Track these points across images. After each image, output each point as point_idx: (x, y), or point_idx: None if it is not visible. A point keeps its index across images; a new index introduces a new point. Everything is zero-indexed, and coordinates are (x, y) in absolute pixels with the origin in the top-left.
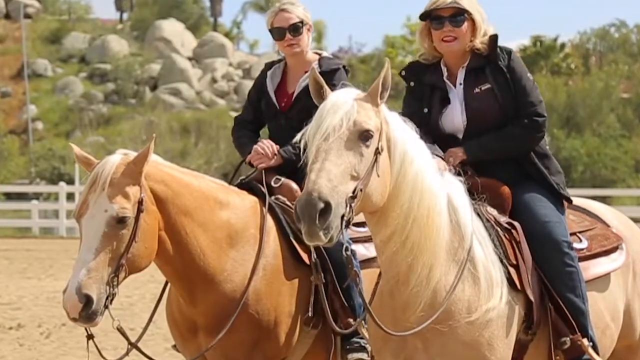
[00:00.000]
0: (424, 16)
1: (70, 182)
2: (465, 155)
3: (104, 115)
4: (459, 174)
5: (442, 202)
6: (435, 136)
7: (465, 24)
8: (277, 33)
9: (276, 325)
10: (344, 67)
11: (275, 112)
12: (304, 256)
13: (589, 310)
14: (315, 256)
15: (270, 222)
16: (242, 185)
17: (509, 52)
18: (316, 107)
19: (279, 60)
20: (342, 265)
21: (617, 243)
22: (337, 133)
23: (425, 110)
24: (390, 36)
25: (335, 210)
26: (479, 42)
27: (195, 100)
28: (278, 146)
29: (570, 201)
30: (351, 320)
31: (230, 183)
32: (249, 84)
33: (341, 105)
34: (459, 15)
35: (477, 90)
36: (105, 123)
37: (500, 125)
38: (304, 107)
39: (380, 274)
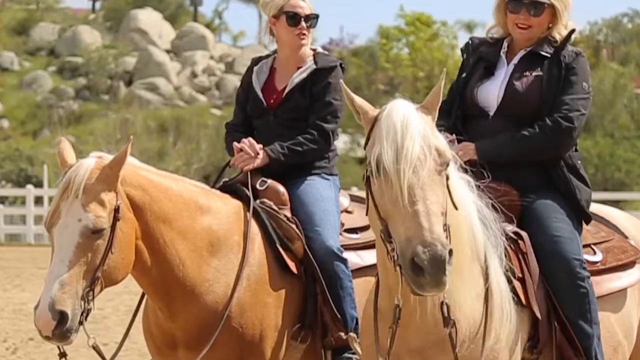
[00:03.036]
0: None
1: (39, 184)
2: (476, 155)
3: (74, 112)
4: (465, 172)
5: (475, 216)
6: (465, 105)
7: (545, 13)
8: (292, 18)
9: (261, 339)
10: (340, 64)
11: (263, 109)
12: (291, 265)
13: (598, 333)
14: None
15: (255, 228)
16: (225, 188)
17: (577, 53)
18: (308, 106)
19: (267, 56)
20: (334, 275)
21: (635, 257)
22: (425, 165)
23: (463, 75)
24: (385, 27)
25: (452, 255)
26: (557, 32)
27: (174, 96)
28: (261, 145)
29: (587, 221)
30: (342, 334)
31: (213, 186)
32: (231, 79)
33: (412, 124)
34: (540, 3)
35: (526, 73)
36: (76, 121)
37: (533, 118)
38: (296, 105)
39: (377, 284)
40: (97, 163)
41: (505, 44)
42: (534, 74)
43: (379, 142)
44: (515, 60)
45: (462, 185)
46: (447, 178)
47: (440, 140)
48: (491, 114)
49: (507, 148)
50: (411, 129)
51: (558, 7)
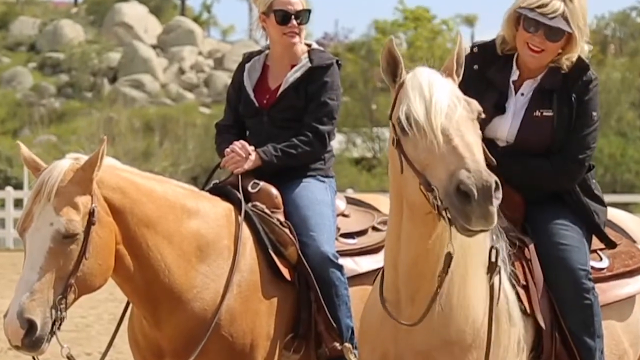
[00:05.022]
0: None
1: (19, 186)
2: None
3: (56, 110)
4: None
5: None
6: None
7: (562, 40)
8: (281, 16)
9: (252, 349)
10: (337, 61)
11: (256, 109)
12: (284, 271)
13: (601, 347)
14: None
15: (246, 232)
16: (215, 191)
17: (588, 82)
18: (303, 106)
19: (259, 52)
20: (329, 283)
21: None
22: (457, 112)
23: None
24: (381, 21)
25: (500, 188)
26: (566, 58)
27: (160, 93)
28: (253, 147)
29: (609, 245)
30: (337, 344)
31: (202, 188)
32: (220, 75)
33: (439, 81)
34: (560, 30)
35: (537, 113)
36: (58, 120)
37: (543, 153)
38: (291, 105)
39: (381, 279)
40: (72, 165)
41: (515, 71)
42: (544, 113)
43: (407, 99)
44: (524, 90)
45: None
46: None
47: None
48: (500, 144)
49: (517, 173)
50: (438, 83)
51: (576, 35)
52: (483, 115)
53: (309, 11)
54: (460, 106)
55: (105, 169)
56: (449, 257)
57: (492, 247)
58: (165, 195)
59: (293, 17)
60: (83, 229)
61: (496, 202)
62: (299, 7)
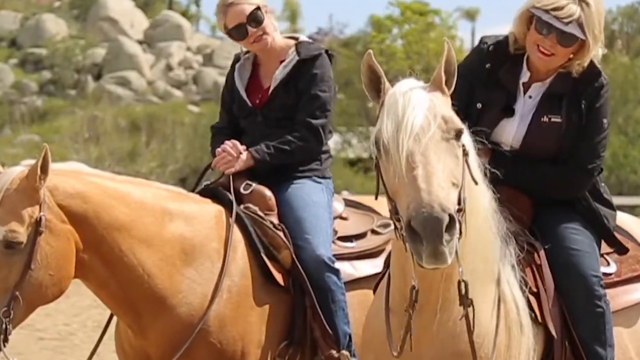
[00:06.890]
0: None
1: None
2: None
3: (38, 109)
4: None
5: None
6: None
7: (575, 46)
8: (237, 32)
9: (243, 357)
10: (326, 51)
11: (249, 109)
12: (278, 276)
13: (612, 356)
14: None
15: (237, 235)
16: (205, 192)
17: (599, 88)
18: (295, 103)
19: (248, 50)
20: (324, 288)
21: None
22: (428, 133)
23: (479, 105)
24: (377, 16)
25: (456, 224)
26: (577, 63)
27: (147, 91)
28: (245, 146)
29: (620, 250)
30: (334, 351)
31: (193, 190)
32: (210, 72)
33: (417, 98)
34: (573, 36)
35: (545, 119)
36: (41, 118)
37: (550, 159)
38: (283, 104)
39: (387, 285)
40: (22, 172)
41: (526, 72)
42: (552, 119)
43: (380, 121)
44: (533, 93)
45: (480, 176)
46: (466, 154)
47: (450, 111)
48: (505, 148)
49: (524, 177)
50: (413, 100)
51: (590, 42)
52: (465, 133)
53: (259, 7)
54: (434, 125)
55: (66, 175)
56: (413, 290)
57: (459, 281)
58: (142, 198)
59: (247, 25)
60: (25, 239)
61: (448, 241)
62: (248, 11)
